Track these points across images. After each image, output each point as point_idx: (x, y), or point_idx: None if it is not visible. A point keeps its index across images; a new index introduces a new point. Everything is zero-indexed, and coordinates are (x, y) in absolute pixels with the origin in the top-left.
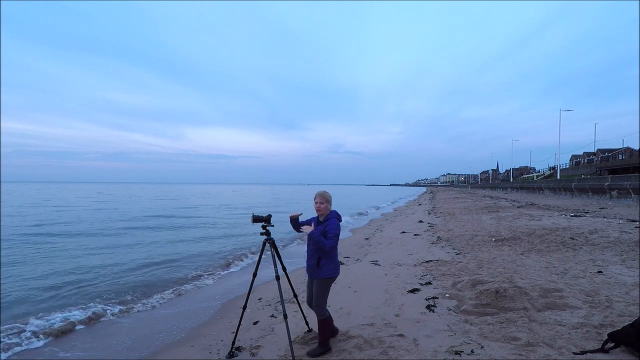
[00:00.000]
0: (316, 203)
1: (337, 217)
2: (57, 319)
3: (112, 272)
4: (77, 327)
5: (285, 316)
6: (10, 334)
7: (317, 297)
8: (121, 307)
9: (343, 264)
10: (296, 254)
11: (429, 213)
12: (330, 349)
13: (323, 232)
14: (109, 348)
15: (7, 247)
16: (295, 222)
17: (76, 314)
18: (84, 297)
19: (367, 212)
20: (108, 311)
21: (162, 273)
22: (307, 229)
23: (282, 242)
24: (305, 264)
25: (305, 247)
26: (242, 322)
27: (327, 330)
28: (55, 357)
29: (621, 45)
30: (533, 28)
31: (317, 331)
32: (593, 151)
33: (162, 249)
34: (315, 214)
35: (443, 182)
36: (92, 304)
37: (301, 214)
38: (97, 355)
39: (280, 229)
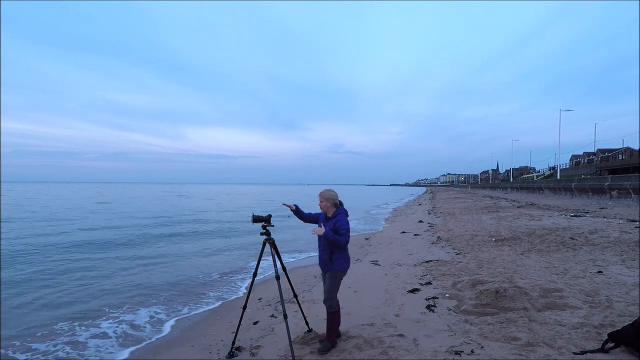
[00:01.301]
0: (319, 202)
1: (345, 213)
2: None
3: (117, 279)
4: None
5: (285, 316)
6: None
7: (329, 289)
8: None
9: None
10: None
11: (429, 213)
12: (337, 343)
13: (334, 229)
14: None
15: (11, 254)
16: (298, 214)
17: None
18: (89, 300)
19: (372, 213)
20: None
21: (168, 277)
22: (319, 231)
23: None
24: (317, 259)
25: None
26: (242, 322)
27: (335, 323)
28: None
29: (621, 45)
30: (533, 28)
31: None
32: (593, 151)
33: (169, 254)
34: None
35: (443, 182)
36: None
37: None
38: (97, 355)
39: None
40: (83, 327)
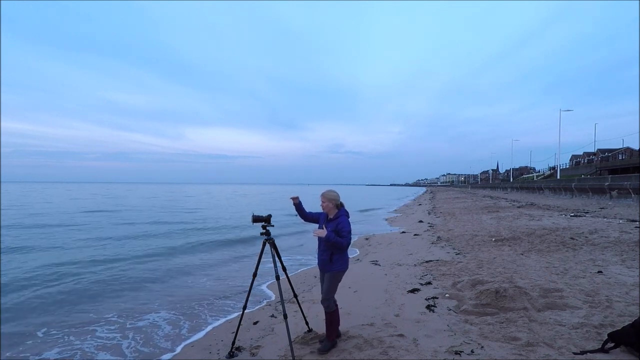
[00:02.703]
0: (321, 202)
1: (346, 214)
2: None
3: (116, 276)
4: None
5: (285, 316)
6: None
7: (327, 290)
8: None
9: None
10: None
11: (429, 213)
12: (337, 343)
13: (336, 231)
14: (109, 347)
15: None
16: (299, 210)
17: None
18: (87, 299)
19: (370, 212)
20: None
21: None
22: (320, 233)
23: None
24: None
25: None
26: (242, 322)
27: (334, 323)
28: (42, 357)
29: (621, 45)
30: (533, 28)
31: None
32: (593, 151)
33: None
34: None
35: (443, 182)
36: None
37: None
38: (98, 354)
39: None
40: (75, 335)
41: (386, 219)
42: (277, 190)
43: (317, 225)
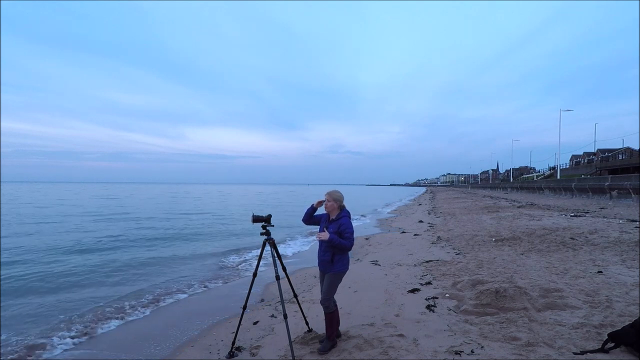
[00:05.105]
0: (326, 201)
1: (348, 215)
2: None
3: (113, 274)
4: (85, 332)
5: (285, 316)
6: None
7: (327, 290)
8: (120, 312)
9: None
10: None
11: (429, 213)
12: (337, 343)
13: (339, 232)
14: (110, 348)
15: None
16: (310, 211)
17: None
18: (87, 297)
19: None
20: (107, 312)
21: (162, 272)
22: (323, 236)
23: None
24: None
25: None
26: (242, 322)
27: (334, 323)
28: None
29: (621, 45)
30: (533, 28)
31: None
32: (593, 151)
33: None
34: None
35: (443, 182)
36: (93, 306)
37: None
38: (99, 355)
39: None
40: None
41: (386, 219)
42: (282, 191)
43: (318, 228)
